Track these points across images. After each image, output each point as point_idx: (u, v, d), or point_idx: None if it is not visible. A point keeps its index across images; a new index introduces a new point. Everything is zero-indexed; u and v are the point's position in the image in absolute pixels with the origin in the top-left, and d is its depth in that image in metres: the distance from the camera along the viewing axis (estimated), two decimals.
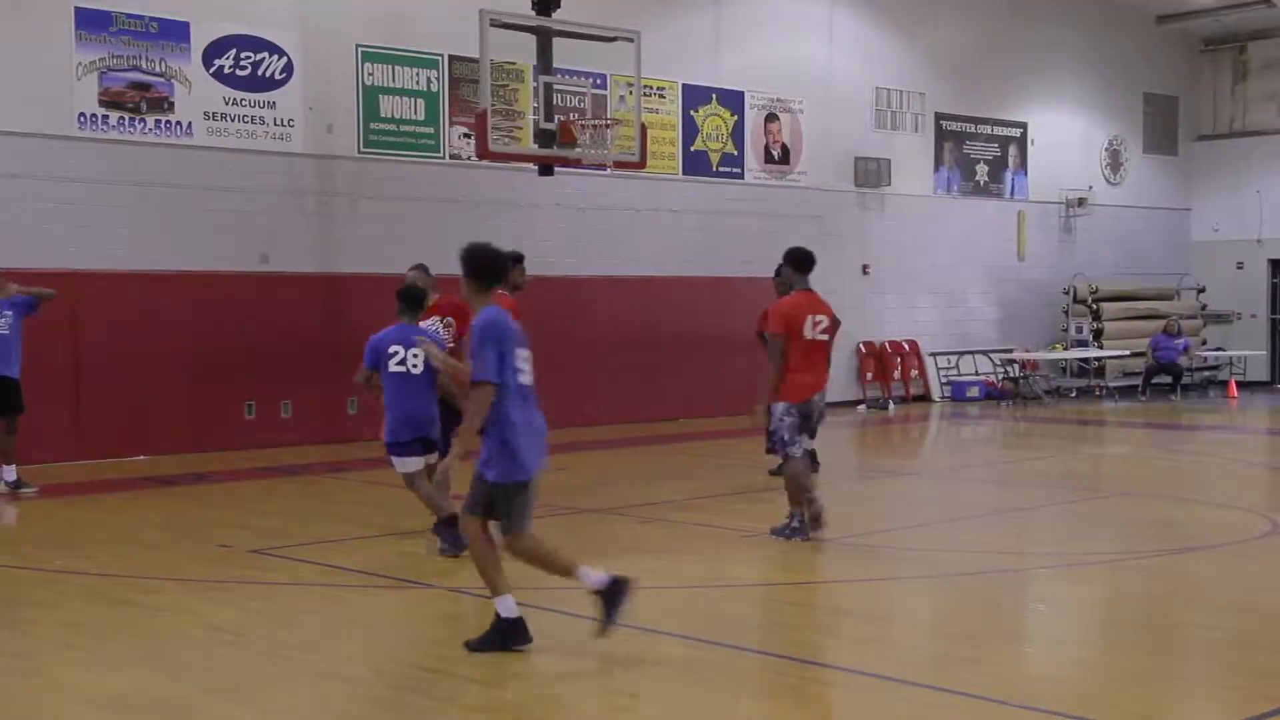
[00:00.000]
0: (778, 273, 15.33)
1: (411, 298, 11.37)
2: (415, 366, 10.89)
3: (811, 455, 15.86)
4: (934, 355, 26.76)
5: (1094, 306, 28.29)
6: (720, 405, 21.06)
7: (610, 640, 8.10)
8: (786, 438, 11.63)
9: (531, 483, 8.15)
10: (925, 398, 26.50)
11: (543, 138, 17.98)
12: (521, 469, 8.05)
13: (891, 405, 25.38)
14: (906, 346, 26.44)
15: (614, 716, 6.87)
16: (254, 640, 8.43)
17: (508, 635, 8.01)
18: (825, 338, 11.75)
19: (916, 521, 13.26)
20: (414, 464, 10.94)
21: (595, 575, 7.99)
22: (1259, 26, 30.32)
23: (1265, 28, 30.21)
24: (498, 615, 8.03)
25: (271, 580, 10.11)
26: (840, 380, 25.23)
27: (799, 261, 12.14)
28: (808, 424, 11.72)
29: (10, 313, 14.51)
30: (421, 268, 12.78)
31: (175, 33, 17.80)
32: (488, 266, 8.26)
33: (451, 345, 11.94)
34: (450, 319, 12.36)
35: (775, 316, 11.72)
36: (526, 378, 8.12)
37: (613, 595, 7.89)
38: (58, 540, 11.85)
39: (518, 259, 12.95)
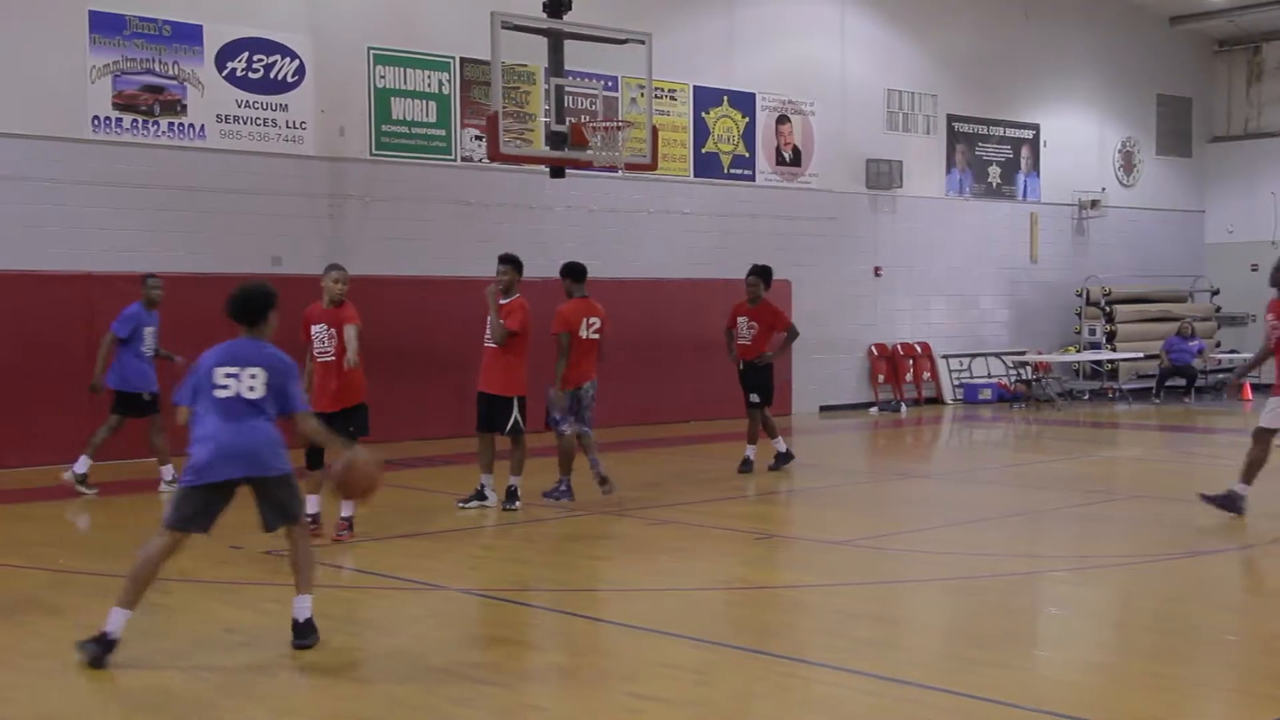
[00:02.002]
0: (752, 273, 15.95)
1: None
2: None
3: (784, 455, 16.10)
4: (946, 358, 26.77)
5: (1107, 309, 28.26)
6: (731, 408, 21.07)
7: (618, 641, 8.13)
8: (559, 418, 13.74)
9: (198, 490, 8.31)
10: (937, 400, 26.52)
11: (554, 140, 18.01)
12: (191, 476, 8.32)
13: (903, 408, 25.40)
14: (919, 349, 26.45)
15: (626, 718, 6.89)
16: (268, 641, 8.46)
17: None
18: (597, 336, 13.87)
19: (928, 524, 13.26)
20: None
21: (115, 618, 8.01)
22: (1274, 27, 30.29)
23: (1279, 28, 30.15)
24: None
25: (284, 582, 10.08)
26: (852, 383, 25.33)
27: (575, 273, 14.13)
28: (577, 406, 13.82)
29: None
30: (337, 267, 12.91)
31: (188, 36, 17.88)
32: (241, 310, 8.58)
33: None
34: (333, 330, 12.40)
35: (559, 319, 13.69)
36: (224, 393, 8.33)
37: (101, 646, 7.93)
38: (72, 542, 11.92)
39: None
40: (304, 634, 8.29)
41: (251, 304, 8.61)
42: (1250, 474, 13.02)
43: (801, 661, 8.01)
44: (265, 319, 8.62)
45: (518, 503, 13.36)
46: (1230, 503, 12.96)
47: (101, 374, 14.77)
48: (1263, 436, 13.04)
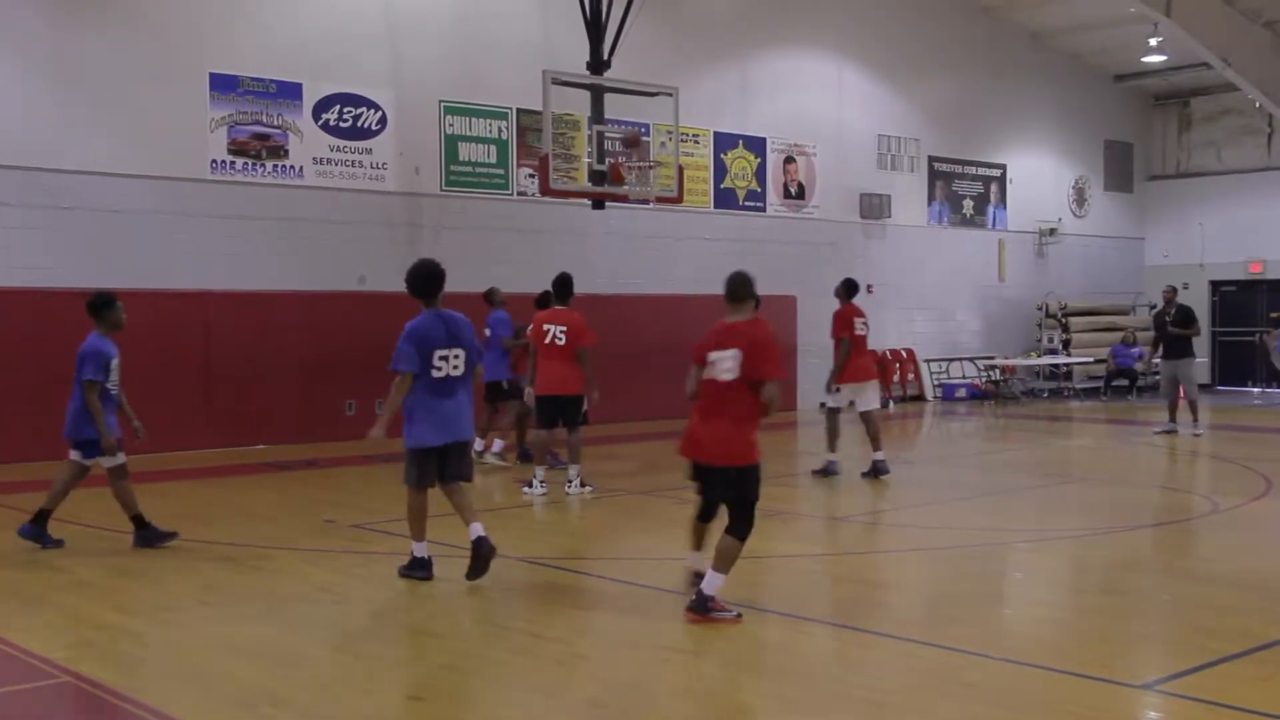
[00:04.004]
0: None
1: None
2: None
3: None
4: (928, 361, 26.69)
5: (1063, 320, 28.17)
6: None
7: (653, 603, 8.17)
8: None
9: (427, 451, 8.75)
10: (920, 397, 26.43)
11: (596, 177, 18.05)
12: (419, 440, 8.68)
13: (891, 404, 25.30)
14: (905, 354, 26.38)
15: (660, 668, 6.90)
16: (356, 600, 8.50)
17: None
18: (562, 341, 12.97)
19: (912, 502, 13.24)
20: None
21: (421, 548, 8.95)
22: (1200, 85, 30.18)
23: (1205, 85, 30.06)
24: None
25: (370, 550, 10.19)
26: None
27: (560, 289, 13.51)
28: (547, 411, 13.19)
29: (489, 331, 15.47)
30: None
31: (290, 92, 17.97)
32: (415, 284, 9.03)
33: None
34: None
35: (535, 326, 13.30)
36: (439, 374, 8.76)
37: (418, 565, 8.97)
38: (194, 515, 11.96)
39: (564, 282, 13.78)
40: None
41: (433, 280, 8.95)
42: (833, 443, 14.58)
43: (805, 619, 8.01)
44: (441, 291, 8.98)
45: (587, 487, 13.27)
46: (829, 470, 14.35)
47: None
48: (832, 414, 14.69)
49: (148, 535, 10.32)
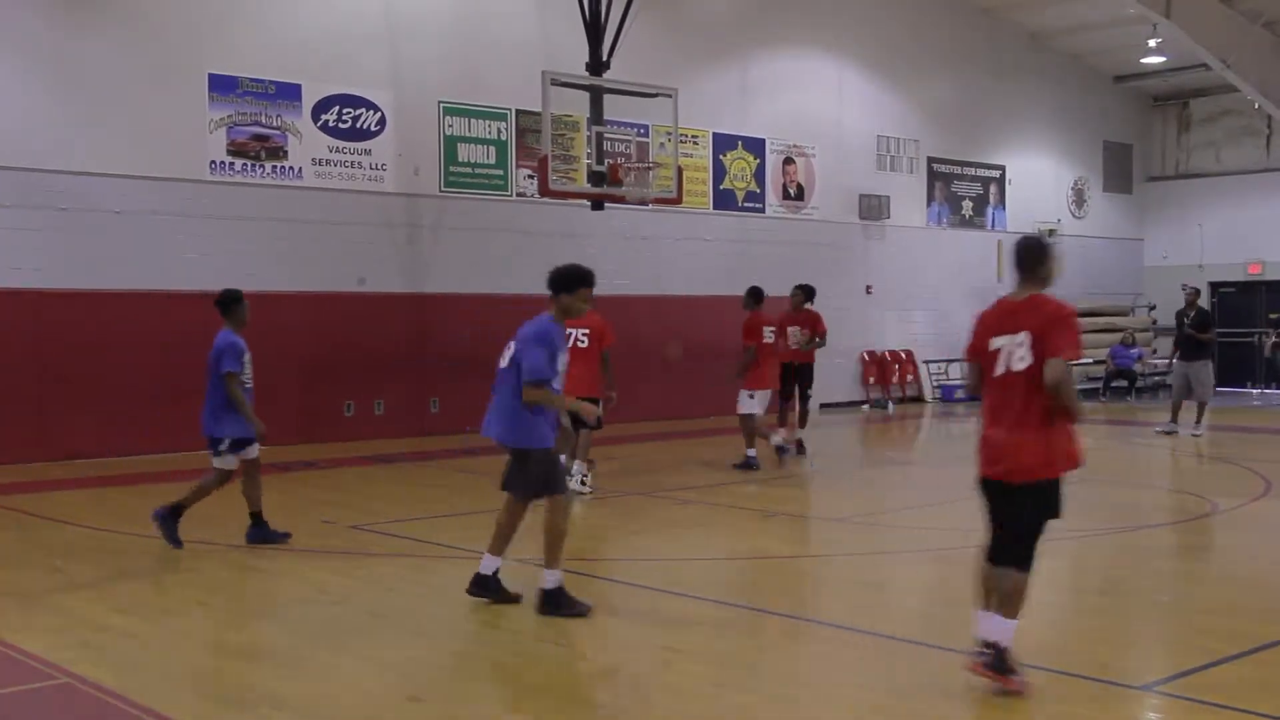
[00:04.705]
0: (797, 287, 16.00)
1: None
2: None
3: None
4: (927, 362, 26.67)
5: None
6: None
7: (653, 603, 8.16)
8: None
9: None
10: (919, 399, 26.42)
11: (595, 178, 18.04)
12: None
13: (890, 405, 25.31)
14: (904, 355, 26.36)
15: (660, 669, 6.90)
16: (354, 601, 8.50)
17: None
18: (584, 344, 12.73)
19: (911, 504, 13.24)
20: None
21: (489, 561, 8.39)
22: (1199, 86, 30.21)
23: (1204, 87, 30.08)
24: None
25: (369, 551, 10.18)
26: (847, 383, 25.26)
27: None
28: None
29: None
30: None
31: (290, 93, 17.97)
32: (550, 281, 8.64)
33: None
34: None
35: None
36: (502, 364, 8.35)
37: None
38: (194, 515, 11.93)
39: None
40: (543, 604, 8.05)
41: (554, 278, 8.59)
42: (751, 440, 15.17)
43: (803, 620, 8.01)
44: (565, 293, 8.51)
45: (587, 487, 13.24)
46: (748, 465, 15.11)
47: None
48: (746, 421, 15.16)
49: (170, 528, 10.30)
